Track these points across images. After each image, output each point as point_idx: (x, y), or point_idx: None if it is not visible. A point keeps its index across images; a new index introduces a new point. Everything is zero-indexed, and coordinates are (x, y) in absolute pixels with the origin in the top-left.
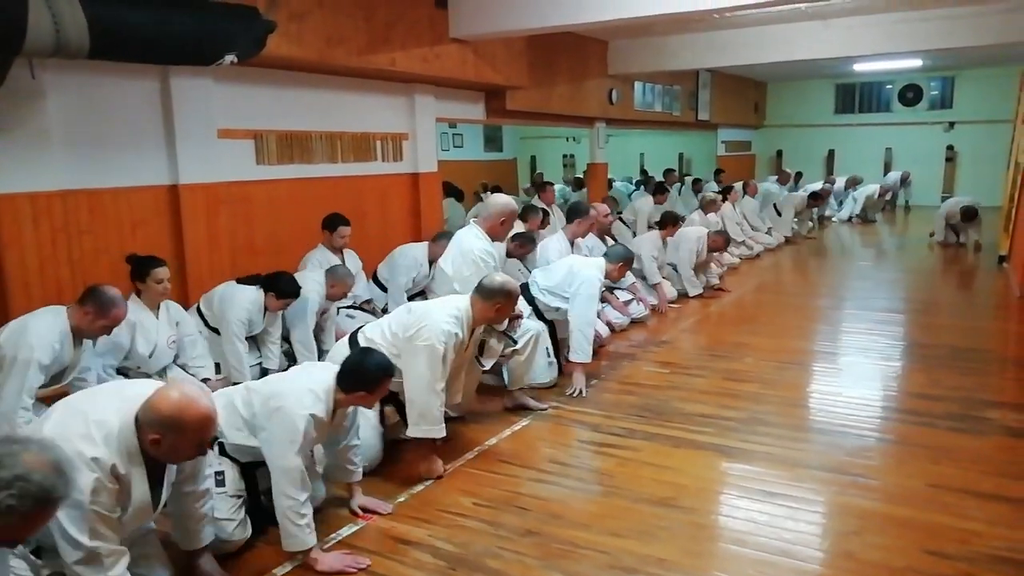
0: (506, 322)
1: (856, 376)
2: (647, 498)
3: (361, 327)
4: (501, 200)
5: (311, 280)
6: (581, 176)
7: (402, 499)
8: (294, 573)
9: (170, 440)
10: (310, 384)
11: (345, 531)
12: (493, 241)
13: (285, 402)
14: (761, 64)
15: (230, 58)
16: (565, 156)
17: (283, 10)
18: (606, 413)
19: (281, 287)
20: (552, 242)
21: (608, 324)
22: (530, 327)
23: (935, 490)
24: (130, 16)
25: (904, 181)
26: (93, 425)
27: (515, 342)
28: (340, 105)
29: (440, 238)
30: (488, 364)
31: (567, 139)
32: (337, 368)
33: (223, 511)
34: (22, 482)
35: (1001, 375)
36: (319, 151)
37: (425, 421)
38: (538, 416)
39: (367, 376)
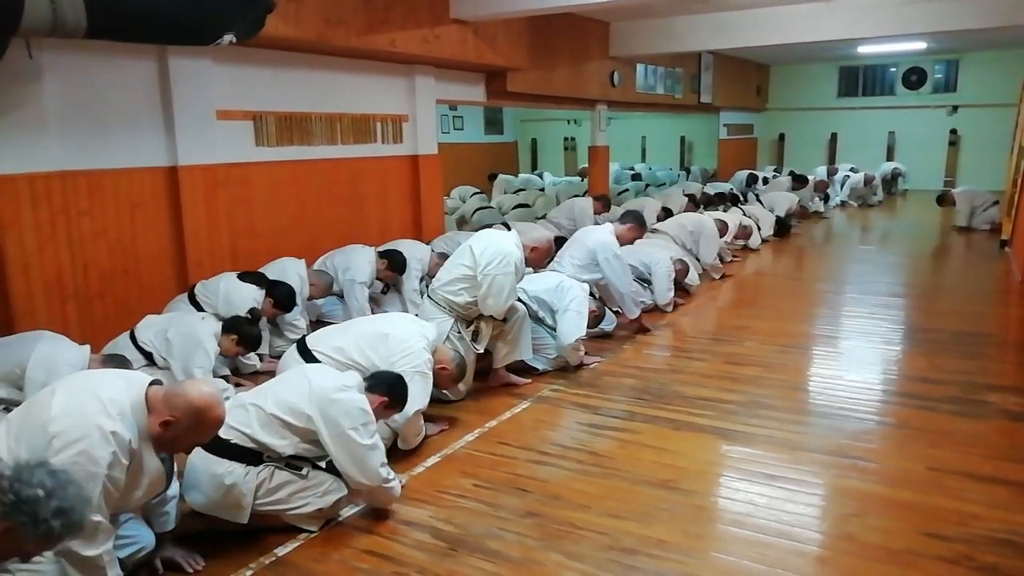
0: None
1: (857, 360)
2: (647, 480)
3: (305, 336)
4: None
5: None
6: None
7: (403, 480)
8: (297, 552)
9: (184, 427)
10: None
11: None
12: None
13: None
14: (764, 46)
15: (229, 38)
16: (566, 139)
17: None
18: (606, 396)
19: (279, 297)
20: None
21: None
22: (516, 308)
23: (935, 473)
24: None
25: (895, 177)
26: (107, 402)
27: (504, 321)
28: (340, 86)
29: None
30: (481, 347)
31: (568, 121)
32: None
33: None
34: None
35: (1002, 359)
36: (319, 133)
37: (415, 439)
38: (538, 398)
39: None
